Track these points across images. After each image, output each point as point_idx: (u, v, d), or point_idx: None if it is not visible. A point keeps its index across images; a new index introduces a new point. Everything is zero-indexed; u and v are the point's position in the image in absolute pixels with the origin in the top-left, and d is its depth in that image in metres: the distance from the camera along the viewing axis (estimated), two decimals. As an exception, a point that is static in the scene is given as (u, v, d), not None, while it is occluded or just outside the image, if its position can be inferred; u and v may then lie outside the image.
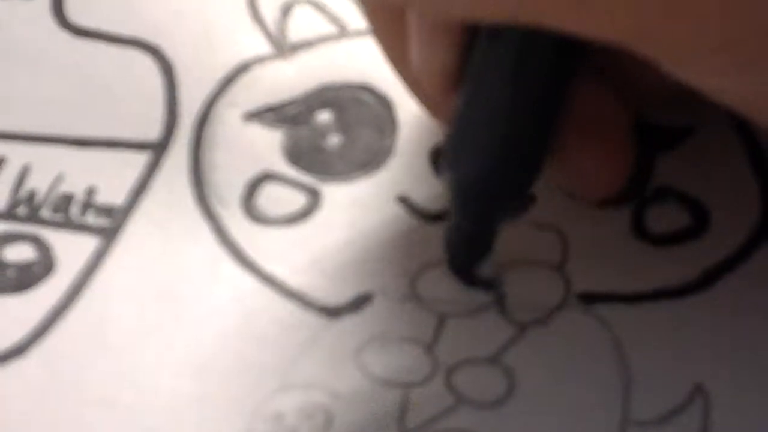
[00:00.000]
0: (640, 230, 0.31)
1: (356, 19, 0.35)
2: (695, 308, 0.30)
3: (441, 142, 0.31)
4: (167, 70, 0.34)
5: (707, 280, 0.30)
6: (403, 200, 0.32)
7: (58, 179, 0.32)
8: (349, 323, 0.30)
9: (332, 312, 0.30)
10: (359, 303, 0.30)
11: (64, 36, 0.35)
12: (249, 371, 0.30)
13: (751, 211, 0.31)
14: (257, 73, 0.34)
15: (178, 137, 0.33)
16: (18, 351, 0.30)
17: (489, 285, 0.30)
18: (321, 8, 0.35)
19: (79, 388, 0.30)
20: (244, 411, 0.29)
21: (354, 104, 0.33)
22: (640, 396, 0.29)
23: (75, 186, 0.32)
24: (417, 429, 0.29)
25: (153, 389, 0.29)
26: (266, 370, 0.30)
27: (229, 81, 0.34)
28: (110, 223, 0.32)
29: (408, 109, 0.33)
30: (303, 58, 0.34)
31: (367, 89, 0.34)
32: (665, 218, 0.31)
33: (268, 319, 0.30)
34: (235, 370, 0.30)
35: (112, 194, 0.32)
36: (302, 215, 0.32)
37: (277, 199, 0.32)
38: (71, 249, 0.31)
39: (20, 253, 0.31)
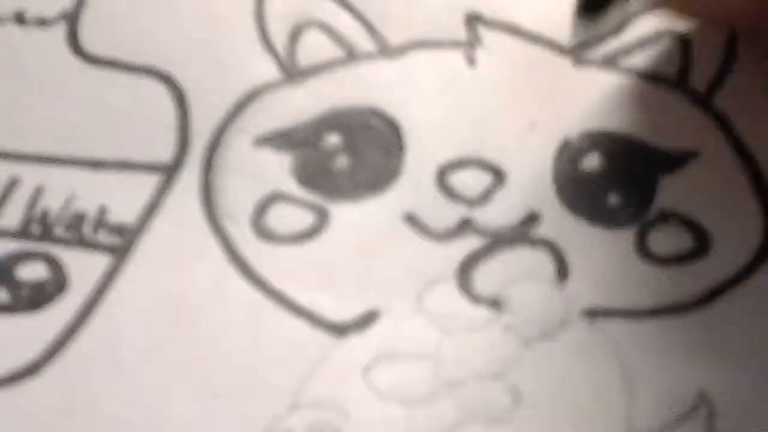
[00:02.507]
0: (643, 251, 0.32)
1: (365, 42, 0.36)
2: (698, 323, 0.30)
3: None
4: (179, 96, 0.35)
5: (709, 297, 0.31)
6: (410, 219, 0.32)
7: (71, 199, 0.33)
8: (357, 341, 0.31)
9: (340, 329, 0.31)
10: (367, 320, 0.31)
11: (78, 64, 0.35)
12: (259, 389, 0.30)
13: (752, 233, 0.32)
14: (267, 98, 0.35)
15: (189, 160, 0.34)
16: (31, 370, 0.30)
17: (493, 302, 0.31)
18: (329, 30, 0.36)
19: (92, 407, 0.30)
20: (255, 430, 0.29)
21: (362, 127, 0.34)
22: (644, 406, 0.29)
23: (87, 205, 0.33)
24: (425, 445, 0.29)
25: (164, 408, 0.30)
26: (276, 389, 0.30)
27: (239, 107, 0.35)
28: (122, 242, 0.32)
29: (415, 131, 0.34)
30: (312, 83, 0.35)
31: (375, 113, 0.34)
32: (668, 240, 0.32)
33: (278, 337, 0.31)
34: (245, 389, 0.30)
35: (124, 214, 0.33)
36: (311, 233, 0.32)
37: (286, 218, 0.32)
38: (83, 267, 0.32)
39: (33, 271, 0.32)
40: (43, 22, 0.36)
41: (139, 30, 0.36)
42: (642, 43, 0.35)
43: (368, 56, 0.36)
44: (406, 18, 0.36)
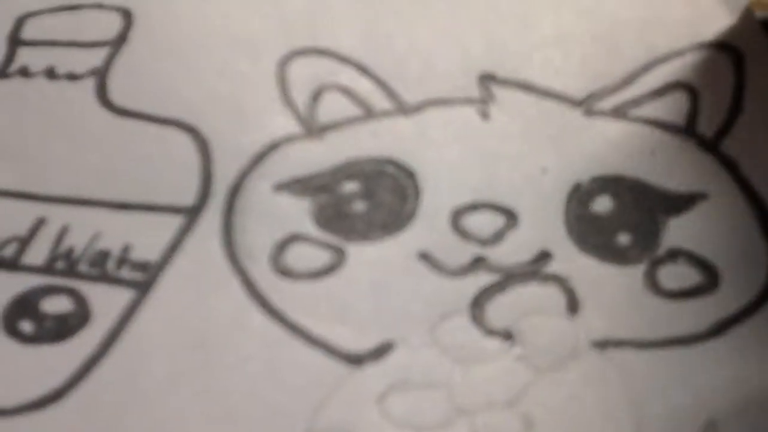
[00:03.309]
0: (653, 286, 0.32)
1: (382, 101, 0.37)
2: (706, 355, 0.31)
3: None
4: (203, 146, 0.36)
5: (718, 330, 0.31)
6: (425, 257, 0.33)
7: (96, 238, 0.34)
8: (372, 370, 0.31)
9: (355, 359, 0.31)
10: (382, 351, 0.31)
11: (106, 115, 0.37)
12: (276, 418, 0.31)
13: (759, 270, 0.33)
14: (287, 150, 0.36)
15: (211, 204, 0.35)
16: (55, 397, 0.31)
17: (506, 334, 0.31)
18: (349, 93, 0.37)
19: (114, 435, 0.31)
20: (271, 457, 0.30)
21: (378, 175, 0.35)
22: (653, 433, 0.30)
23: (111, 244, 0.34)
24: (439, 471, 0.30)
25: (183, 438, 0.31)
26: (292, 417, 0.31)
27: (260, 157, 0.36)
28: (144, 277, 0.33)
29: (430, 177, 0.35)
30: (331, 138, 0.36)
31: (391, 162, 0.35)
32: (677, 276, 0.33)
33: (294, 367, 0.31)
34: (262, 417, 0.31)
35: (147, 252, 0.34)
36: (328, 270, 0.33)
37: (304, 256, 0.33)
38: (106, 301, 0.33)
39: (58, 304, 0.33)
40: (73, 77, 0.38)
41: (166, 85, 0.37)
42: (651, 95, 0.36)
43: (385, 114, 0.37)
44: (423, 79, 0.38)
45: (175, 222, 0.34)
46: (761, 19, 0.38)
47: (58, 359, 0.32)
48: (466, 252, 0.33)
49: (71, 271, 0.33)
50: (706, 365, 0.31)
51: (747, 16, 0.38)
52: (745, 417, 0.30)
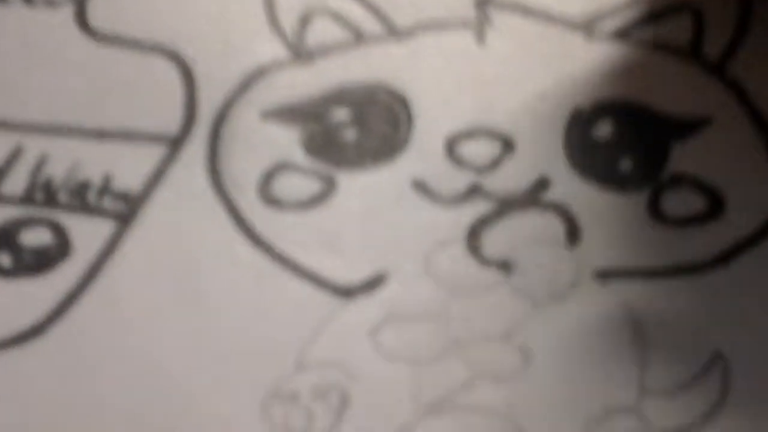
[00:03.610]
0: (656, 213, 0.31)
1: (373, 25, 0.35)
2: (712, 284, 0.30)
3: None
4: (187, 73, 0.34)
5: (724, 258, 0.30)
6: (418, 185, 0.32)
7: (76, 167, 0.33)
8: (364, 303, 0.30)
9: (347, 292, 0.30)
10: (374, 283, 0.30)
11: (86, 40, 0.35)
12: (264, 351, 0.30)
13: (765, 197, 0.31)
14: (275, 76, 0.35)
15: (196, 132, 0.33)
16: (36, 331, 0.30)
17: (502, 264, 0.30)
18: (339, 16, 0.36)
19: (95, 370, 0.30)
20: (260, 391, 0.29)
21: (370, 102, 0.34)
22: (657, 365, 0.28)
23: (92, 173, 0.32)
24: (433, 405, 0.28)
25: (169, 372, 0.29)
26: (282, 350, 0.30)
27: (247, 83, 0.34)
28: (126, 208, 0.32)
29: (423, 104, 0.33)
30: (320, 63, 0.35)
31: (383, 88, 0.34)
32: (681, 202, 0.31)
33: (284, 300, 0.30)
34: (250, 352, 0.30)
35: (129, 182, 0.32)
36: (318, 200, 0.32)
37: (293, 185, 0.32)
38: (87, 233, 0.31)
39: (36, 237, 0.31)
40: (51, 3, 0.36)
41: (148, 10, 0.36)
42: (654, 16, 0.35)
43: (376, 38, 0.35)
44: (415, 2, 0.36)
45: (158, 151, 0.33)
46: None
47: (38, 293, 0.31)
48: (461, 180, 0.32)
49: (50, 202, 0.32)
50: (711, 295, 0.29)
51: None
52: (753, 348, 0.28)
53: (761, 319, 0.29)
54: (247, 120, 0.33)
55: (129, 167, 0.32)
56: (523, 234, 0.31)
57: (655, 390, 0.28)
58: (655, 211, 0.31)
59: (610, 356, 0.29)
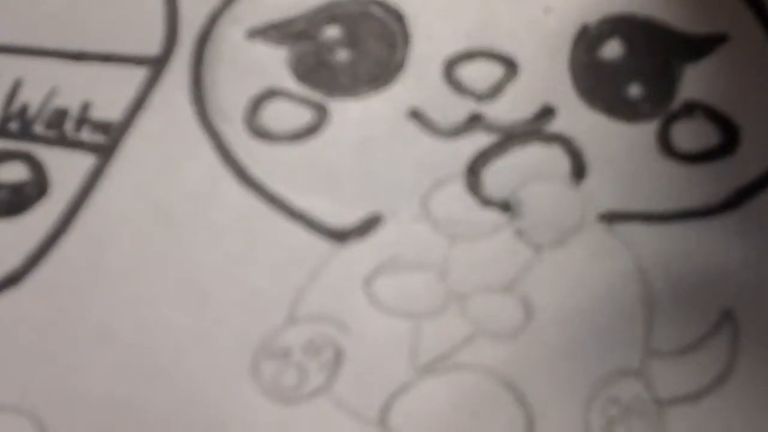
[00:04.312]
0: (666, 147, 0.29)
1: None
2: (723, 229, 0.28)
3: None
4: (167, -16, 0.32)
5: (736, 200, 0.29)
6: (416, 115, 0.30)
7: (52, 93, 0.31)
8: (358, 248, 0.29)
9: (340, 235, 0.29)
10: (368, 225, 0.29)
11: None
12: (253, 302, 0.28)
13: (784, 128, 0.30)
14: (261, -13, 0.32)
15: (178, 53, 0.31)
16: (13, 280, 0.29)
17: (504, 205, 0.29)
18: None
19: (77, 320, 0.28)
20: (249, 346, 0.28)
21: (363, 18, 0.32)
22: (664, 325, 0.27)
23: (70, 100, 0.30)
24: (431, 363, 0.27)
25: (152, 322, 0.28)
26: (271, 301, 0.28)
27: (231, -3, 0.32)
28: (106, 140, 0.30)
29: (421, 21, 0.31)
30: (310, -29, 0.33)
31: (377, 3, 0.32)
32: (693, 134, 0.30)
33: (273, 244, 0.29)
34: (238, 301, 0.28)
35: (109, 110, 0.30)
36: (309, 131, 0.30)
37: (283, 115, 0.30)
38: (66, 168, 0.30)
39: (12, 172, 0.30)
40: None
41: None
42: None
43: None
44: None
45: (138, 75, 0.31)
46: None
47: (15, 236, 0.29)
48: (460, 108, 0.30)
49: (26, 133, 0.30)
50: (722, 242, 0.28)
51: None
52: (764, 305, 0.27)
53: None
54: (232, 39, 0.31)
55: (108, 93, 0.31)
56: (526, 169, 0.29)
57: (661, 352, 0.27)
58: (665, 144, 0.29)
59: (616, 313, 0.27)
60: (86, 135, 0.30)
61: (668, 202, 0.29)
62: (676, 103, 0.30)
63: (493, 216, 0.29)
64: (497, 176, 0.29)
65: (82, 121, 0.30)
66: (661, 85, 0.30)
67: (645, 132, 0.30)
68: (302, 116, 0.30)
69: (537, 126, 0.30)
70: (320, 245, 0.29)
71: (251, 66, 0.31)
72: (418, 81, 0.31)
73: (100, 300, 0.28)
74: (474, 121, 0.30)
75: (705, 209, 0.28)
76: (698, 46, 0.31)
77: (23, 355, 0.28)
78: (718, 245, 0.28)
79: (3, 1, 0.32)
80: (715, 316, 0.27)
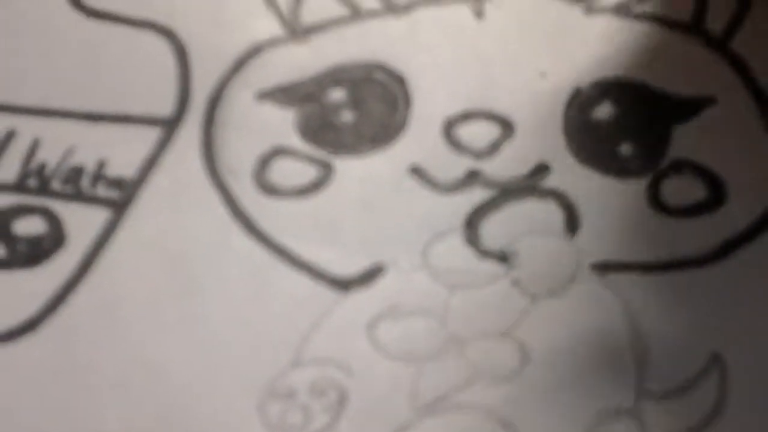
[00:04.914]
0: (655, 202, 0.31)
1: (370, 1, 0.35)
2: (712, 278, 0.29)
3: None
4: (180, 51, 0.34)
5: (724, 251, 0.30)
6: (417, 171, 0.31)
7: (69, 152, 0.32)
8: (361, 296, 0.30)
9: (344, 284, 0.30)
10: (371, 275, 0.30)
11: (78, 17, 0.35)
12: (260, 346, 0.29)
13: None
14: (270, 55, 0.34)
15: (190, 114, 0.33)
16: (29, 327, 0.30)
17: (501, 256, 0.30)
18: (334, -10, 0.35)
19: (91, 366, 0.29)
20: (256, 388, 0.29)
21: (366, 82, 0.33)
22: (655, 367, 0.28)
23: (86, 158, 0.32)
24: (431, 404, 0.28)
25: (164, 367, 0.29)
26: (278, 345, 0.29)
27: (242, 62, 0.34)
28: (121, 196, 0.31)
29: (421, 84, 0.33)
30: (316, 41, 0.34)
31: (380, 67, 0.33)
32: (682, 190, 0.31)
33: (280, 292, 0.30)
34: (246, 346, 0.29)
35: (123, 167, 0.32)
36: (314, 187, 0.31)
37: (289, 171, 0.32)
38: (82, 222, 0.31)
39: (31, 226, 0.31)
40: (41, -24, 0.35)
41: (140, -16, 0.35)
42: (655, -10, 0.34)
43: (373, 14, 0.35)
44: (413, -27, 0.35)
45: (152, 135, 0.32)
46: None
47: (33, 285, 0.30)
48: (459, 165, 0.31)
49: (44, 189, 0.31)
50: (710, 291, 0.29)
51: None
52: (752, 348, 0.28)
53: (759, 318, 0.29)
54: (242, 101, 0.33)
55: (123, 152, 0.32)
56: (522, 223, 0.31)
57: (653, 392, 0.28)
58: (655, 199, 0.31)
59: (608, 356, 0.28)
60: (101, 191, 0.31)
61: (658, 253, 0.30)
62: (666, 161, 0.31)
63: (490, 266, 0.30)
64: (494, 229, 0.30)
65: (98, 177, 0.32)
66: (651, 144, 0.32)
67: (636, 188, 0.31)
68: (308, 173, 0.32)
69: (532, 182, 0.31)
70: (325, 293, 0.30)
71: (260, 126, 0.32)
72: (419, 140, 0.32)
73: (113, 345, 0.29)
74: (472, 178, 0.31)
75: (694, 260, 0.30)
76: (686, 108, 0.32)
77: (39, 398, 0.29)
78: (707, 294, 0.29)
79: (23, 66, 0.34)
80: (704, 358, 0.28)
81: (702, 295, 0.29)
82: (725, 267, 0.30)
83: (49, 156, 0.32)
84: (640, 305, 0.29)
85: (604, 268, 0.30)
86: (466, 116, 0.32)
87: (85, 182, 0.32)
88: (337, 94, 0.33)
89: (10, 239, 0.31)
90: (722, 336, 0.28)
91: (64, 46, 0.34)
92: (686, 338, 0.28)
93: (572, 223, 0.30)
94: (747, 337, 0.28)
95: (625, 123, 0.32)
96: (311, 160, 0.32)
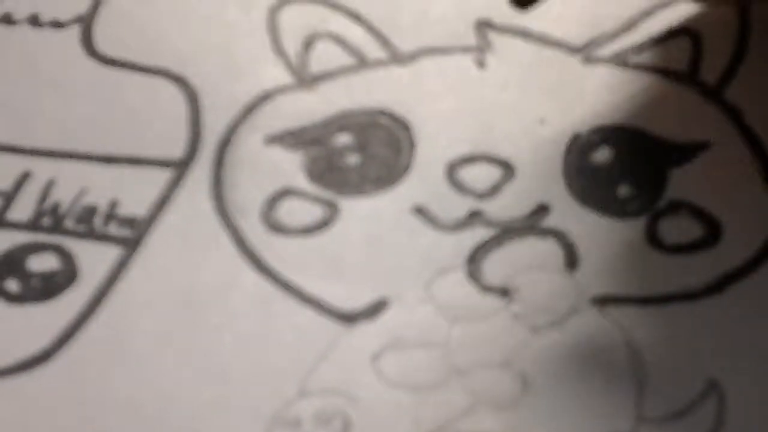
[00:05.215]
0: (653, 240, 0.31)
1: (375, 50, 0.36)
2: (708, 311, 0.30)
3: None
4: (192, 97, 0.35)
5: (720, 285, 0.31)
6: (420, 211, 0.32)
7: (82, 192, 0.33)
8: (366, 329, 0.31)
9: (349, 317, 0.31)
10: (376, 309, 0.31)
11: (92, 64, 0.36)
12: (268, 377, 0.30)
13: (763, 223, 0.32)
14: (279, 101, 0.35)
15: (200, 157, 0.34)
16: (43, 358, 0.30)
17: (502, 290, 0.31)
18: (341, 41, 0.36)
19: (103, 395, 0.30)
20: (263, 417, 0.29)
21: (372, 127, 0.34)
22: (653, 393, 0.29)
23: (99, 199, 0.33)
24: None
25: (174, 397, 0.30)
26: (284, 376, 0.30)
27: (251, 108, 0.35)
28: (132, 234, 0.32)
29: (425, 129, 0.34)
30: (323, 88, 0.35)
31: (385, 113, 0.34)
32: (678, 229, 0.32)
33: (287, 325, 0.31)
34: (254, 376, 0.30)
35: (135, 207, 0.33)
36: (320, 226, 0.32)
37: (296, 211, 0.33)
38: (94, 258, 0.32)
39: (44, 262, 0.32)
40: (57, 25, 0.37)
41: (153, 33, 0.36)
42: (652, 41, 0.35)
43: (379, 63, 0.36)
44: (417, 27, 0.37)
45: (163, 176, 0.33)
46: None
47: (46, 319, 0.31)
48: (462, 205, 0.32)
49: (58, 228, 0.32)
50: (707, 322, 0.30)
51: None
52: (751, 370, 0.29)
53: (754, 348, 0.29)
54: (251, 145, 0.34)
55: (135, 192, 0.33)
56: (523, 260, 0.31)
57: (651, 418, 0.29)
58: (652, 237, 0.32)
59: (608, 383, 0.29)
60: (114, 229, 0.32)
61: (656, 287, 0.31)
62: (663, 202, 0.32)
63: (492, 301, 0.31)
64: (496, 265, 0.31)
65: (110, 216, 0.33)
66: (649, 186, 0.32)
67: (634, 227, 0.32)
68: (314, 212, 0.33)
69: (532, 222, 0.32)
70: (330, 326, 0.30)
71: (268, 168, 0.33)
72: (423, 181, 0.33)
73: (124, 377, 0.30)
74: (474, 217, 0.32)
75: (690, 293, 0.30)
76: (682, 152, 0.33)
77: (51, 426, 0.29)
78: (704, 325, 0.30)
79: (40, 110, 0.35)
80: (701, 385, 0.29)
81: (699, 326, 0.30)
82: (721, 300, 0.30)
83: (63, 196, 0.33)
84: (638, 335, 0.30)
85: (603, 301, 0.30)
86: (469, 159, 0.33)
87: (97, 221, 0.32)
88: (344, 139, 0.34)
89: (25, 275, 0.32)
90: (719, 364, 0.29)
91: (80, 92, 0.35)
92: (684, 367, 0.29)
93: (572, 260, 0.31)
94: (743, 365, 0.29)
95: (622, 166, 0.33)
96: (317, 200, 0.33)
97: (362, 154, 0.34)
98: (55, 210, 0.33)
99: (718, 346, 0.29)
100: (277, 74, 0.36)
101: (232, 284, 0.31)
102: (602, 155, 0.33)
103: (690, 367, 0.29)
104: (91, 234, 0.32)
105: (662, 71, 0.35)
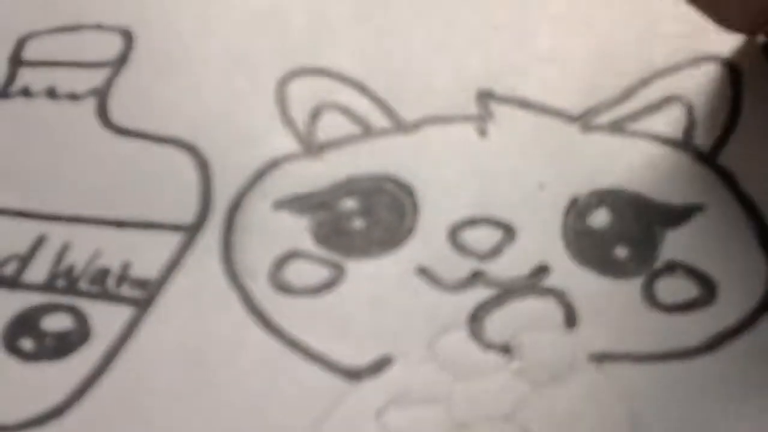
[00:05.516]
0: (650, 300, 0.32)
1: (380, 120, 0.37)
2: (704, 368, 0.31)
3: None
4: (203, 165, 0.36)
5: (716, 343, 0.31)
6: (423, 272, 0.33)
7: (96, 255, 0.34)
8: (371, 385, 0.31)
9: (354, 374, 0.31)
10: (380, 365, 0.32)
11: (107, 135, 0.37)
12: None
13: (757, 283, 0.33)
14: (287, 168, 0.36)
15: (210, 221, 0.35)
16: (56, 413, 0.31)
17: (504, 348, 0.32)
18: (347, 111, 0.37)
19: (113, 452, 0.31)
20: (270, 474, 0.30)
21: (377, 193, 0.35)
22: (650, 447, 0.30)
23: (111, 261, 0.34)
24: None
25: (183, 454, 0.31)
26: (291, 431, 0.31)
27: (260, 175, 0.36)
28: (144, 295, 0.33)
29: (428, 194, 0.35)
30: (330, 156, 0.36)
31: (390, 179, 0.35)
32: (674, 289, 0.33)
33: (294, 383, 0.31)
34: (261, 431, 0.31)
35: (147, 269, 0.34)
36: (327, 286, 0.33)
37: (303, 273, 0.34)
38: (107, 318, 0.33)
39: (59, 322, 0.33)
40: (74, 97, 0.38)
41: (165, 104, 0.38)
42: (648, 109, 0.36)
43: (384, 132, 0.37)
44: (421, 97, 0.38)
45: (174, 240, 0.34)
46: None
47: (59, 376, 0.32)
48: (464, 266, 0.33)
49: (71, 289, 0.33)
50: (703, 380, 0.31)
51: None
52: (743, 428, 0.30)
53: (749, 404, 0.30)
54: (260, 210, 0.35)
55: (147, 255, 0.34)
56: (523, 318, 0.32)
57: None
58: (649, 297, 0.32)
59: (606, 438, 0.30)
60: (126, 290, 0.33)
61: (654, 345, 0.31)
62: (659, 263, 0.33)
63: (493, 358, 0.32)
64: (497, 324, 0.32)
65: (123, 278, 0.34)
66: (645, 247, 0.33)
67: (631, 287, 0.33)
68: (321, 274, 0.34)
69: (533, 281, 0.33)
70: (336, 383, 0.31)
71: (276, 232, 0.34)
72: (426, 243, 0.34)
73: (135, 432, 0.31)
74: (476, 278, 0.33)
75: (688, 351, 0.31)
76: (678, 215, 0.34)
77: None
78: (700, 381, 0.31)
79: (56, 177, 0.36)
80: (698, 436, 0.30)
81: (696, 382, 0.31)
82: (717, 357, 0.31)
83: (77, 258, 0.34)
84: (635, 392, 0.30)
85: (601, 358, 0.31)
86: (470, 222, 0.34)
87: (110, 282, 0.33)
88: (349, 204, 0.35)
89: (39, 334, 0.33)
90: (715, 419, 0.30)
91: (94, 160, 0.36)
92: (680, 422, 0.30)
93: (571, 319, 0.32)
94: (737, 419, 0.30)
95: (620, 228, 0.34)
96: (324, 262, 0.34)
97: (367, 218, 0.35)
98: (69, 272, 0.34)
99: (714, 403, 0.30)
100: (285, 143, 0.37)
101: (240, 343, 0.32)
102: (600, 218, 0.34)
103: (686, 423, 0.30)
104: (104, 295, 0.33)
105: (658, 138, 0.36)
